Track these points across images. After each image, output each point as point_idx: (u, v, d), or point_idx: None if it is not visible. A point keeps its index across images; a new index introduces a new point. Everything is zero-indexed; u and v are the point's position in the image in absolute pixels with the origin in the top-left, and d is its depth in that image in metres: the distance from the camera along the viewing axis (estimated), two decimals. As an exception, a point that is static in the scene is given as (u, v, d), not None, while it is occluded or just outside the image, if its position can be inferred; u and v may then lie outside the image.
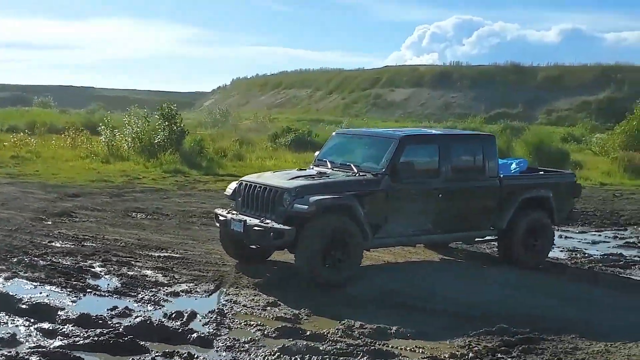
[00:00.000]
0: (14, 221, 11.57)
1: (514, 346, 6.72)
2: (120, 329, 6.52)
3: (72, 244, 10.29)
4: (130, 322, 6.84)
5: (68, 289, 8.01)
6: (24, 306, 7.15)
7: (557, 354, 6.55)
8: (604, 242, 13.25)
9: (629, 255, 11.81)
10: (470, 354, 6.47)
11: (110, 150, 22.00)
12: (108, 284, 8.37)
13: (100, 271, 8.90)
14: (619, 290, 9.29)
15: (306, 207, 8.66)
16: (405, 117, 65.59)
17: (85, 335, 6.38)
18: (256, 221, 8.98)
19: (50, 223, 11.79)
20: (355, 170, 9.61)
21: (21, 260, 9.00)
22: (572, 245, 12.48)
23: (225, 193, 10.17)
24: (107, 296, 7.94)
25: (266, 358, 6.04)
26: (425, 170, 9.73)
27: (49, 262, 9.04)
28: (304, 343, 6.36)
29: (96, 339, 6.29)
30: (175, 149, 21.67)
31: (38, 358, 5.71)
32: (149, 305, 7.67)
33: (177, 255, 9.95)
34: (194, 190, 17.08)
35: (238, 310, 7.64)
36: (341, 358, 5.98)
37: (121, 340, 6.28)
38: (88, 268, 8.97)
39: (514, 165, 11.53)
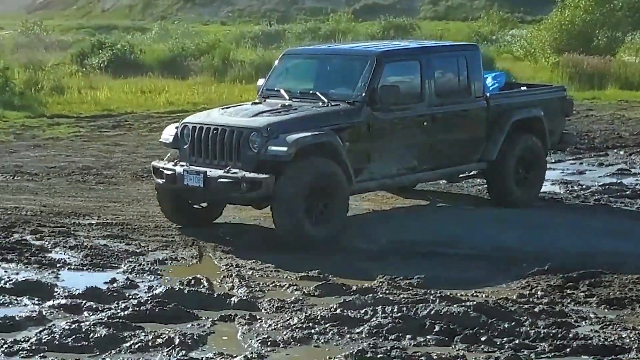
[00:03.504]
0: None
1: (578, 282, 9.48)
2: (154, 300, 8.59)
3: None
4: (151, 293, 8.91)
5: (34, 266, 9.91)
6: (8, 286, 9.01)
7: (626, 284, 9.38)
8: (591, 170, 16.53)
9: (629, 183, 15.04)
10: (539, 292, 9.15)
11: None
12: (70, 257, 10.32)
13: (44, 244, 10.78)
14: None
15: (284, 148, 10.36)
16: (235, 16, 67.70)
17: (122, 307, 8.43)
18: (220, 171, 10.63)
19: None
20: (325, 100, 11.42)
21: None
22: (557, 177, 15.56)
23: (161, 140, 11.92)
24: (87, 270, 9.96)
25: (329, 315, 8.35)
26: (407, 93, 11.75)
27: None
28: (369, 295, 8.76)
29: (137, 309, 8.36)
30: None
31: (105, 328, 7.74)
32: (145, 274, 9.76)
33: (112, 222, 11.92)
34: (38, 140, 18.77)
35: (250, 273, 9.88)
36: (420, 305, 8.43)
37: (166, 309, 8.40)
38: (25, 241, 10.83)
39: (489, 80, 14.00)
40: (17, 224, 11.62)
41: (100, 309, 8.49)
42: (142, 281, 9.54)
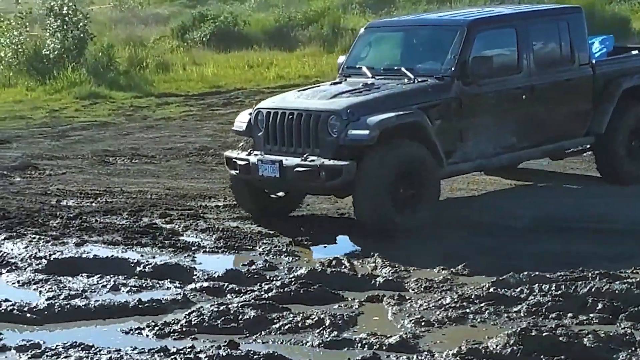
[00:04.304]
0: (-25, 179, 13.86)
1: None
2: (297, 281, 9.07)
3: (91, 201, 12.65)
4: (293, 274, 9.38)
5: (169, 249, 10.51)
6: (147, 269, 9.61)
7: None
8: None
9: None
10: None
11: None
12: (203, 240, 10.92)
13: (175, 227, 11.38)
14: None
15: (366, 132, 10.28)
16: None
17: (266, 289, 8.92)
18: (296, 160, 10.60)
19: (20, 179, 14.10)
20: (411, 76, 11.29)
21: (64, 224, 11.38)
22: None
23: (234, 129, 11.91)
24: (222, 252, 10.52)
25: (483, 294, 8.66)
26: (503, 64, 11.67)
27: (103, 224, 11.46)
28: (524, 273, 9.07)
29: (281, 291, 8.84)
30: (77, 63, 23.70)
31: (253, 310, 8.24)
32: (283, 256, 10.28)
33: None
34: (150, 121, 19.55)
35: (392, 253, 10.24)
36: (579, 282, 8.71)
37: (310, 290, 8.87)
38: (155, 225, 11.47)
39: (596, 45, 13.61)
40: (145, 207, 12.26)
41: (243, 291, 9.00)
42: (281, 263, 10.04)
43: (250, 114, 11.36)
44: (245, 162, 11.03)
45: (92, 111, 20.70)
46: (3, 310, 8.47)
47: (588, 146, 12.83)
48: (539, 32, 12.06)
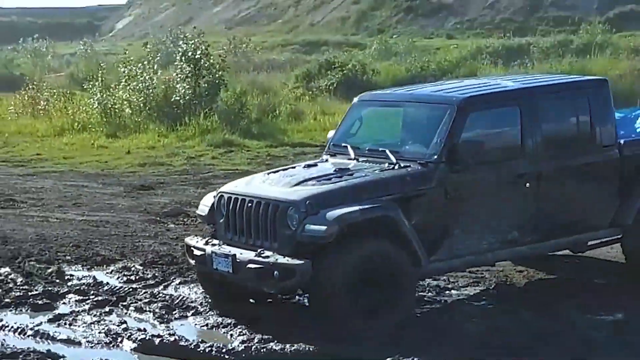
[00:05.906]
0: (134, 226, 14.92)
1: None
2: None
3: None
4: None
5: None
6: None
7: None
8: None
9: None
10: None
11: (107, 118, 25.18)
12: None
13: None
14: None
15: (324, 227, 9.80)
16: (463, 28, 68.72)
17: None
18: (251, 254, 10.20)
19: (174, 226, 15.16)
20: (393, 159, 10.80)
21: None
22: None
23: (198, 213, 11.71)
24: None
25: None
26: (501, 147, 11.07)
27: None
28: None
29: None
30: (209, 109, 24.94)
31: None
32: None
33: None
34: (288, 172, 20.53)
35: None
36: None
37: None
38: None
39: None
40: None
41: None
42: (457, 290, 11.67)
43: (215, 197, 11.17)
44: (202, 253, 10.80)
45: (230, 159, 21.78)
46: (201, 351, 9.51)
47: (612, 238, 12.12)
48: (549, 110, 11.43)
